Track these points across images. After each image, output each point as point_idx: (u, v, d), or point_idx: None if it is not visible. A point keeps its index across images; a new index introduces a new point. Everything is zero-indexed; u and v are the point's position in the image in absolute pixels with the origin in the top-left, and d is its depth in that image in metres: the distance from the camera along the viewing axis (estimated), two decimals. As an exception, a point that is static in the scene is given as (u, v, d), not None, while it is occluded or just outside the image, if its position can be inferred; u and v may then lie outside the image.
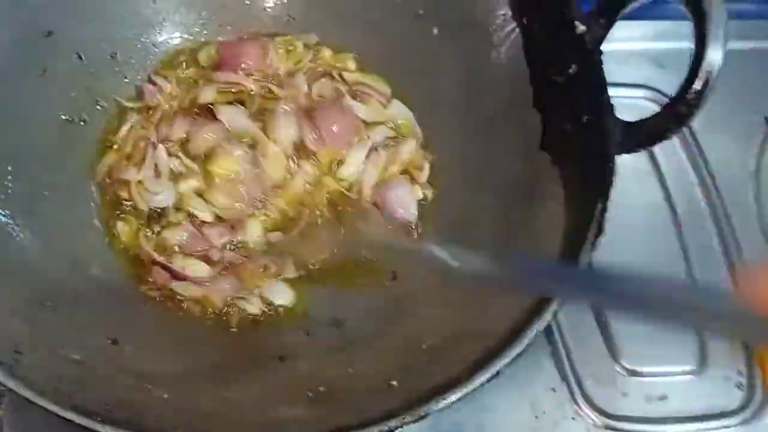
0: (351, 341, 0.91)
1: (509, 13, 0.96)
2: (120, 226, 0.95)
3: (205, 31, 1.11)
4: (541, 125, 0.92)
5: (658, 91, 1.27)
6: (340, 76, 1.07)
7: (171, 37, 1.09)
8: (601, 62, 0.85)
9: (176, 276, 0.92)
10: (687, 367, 1.04)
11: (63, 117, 0.99)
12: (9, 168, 0.89)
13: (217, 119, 1.00)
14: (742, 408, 1.01)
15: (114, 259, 0.94)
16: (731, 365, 1.04)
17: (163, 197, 0.97)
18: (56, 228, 0.91)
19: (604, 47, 0.85)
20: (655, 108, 0.82)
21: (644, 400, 1.01)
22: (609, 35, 0.85)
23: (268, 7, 1.13)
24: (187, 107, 1.04)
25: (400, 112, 1.07)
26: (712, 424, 0.99)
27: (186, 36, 1.10)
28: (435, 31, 1.05)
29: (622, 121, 0.82)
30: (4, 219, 0.86)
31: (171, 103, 1.04)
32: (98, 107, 1.03)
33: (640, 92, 1.28)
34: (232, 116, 1.00)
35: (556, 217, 0.83)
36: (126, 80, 1.06)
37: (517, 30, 0.96)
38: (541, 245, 0.83)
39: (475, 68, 1.02)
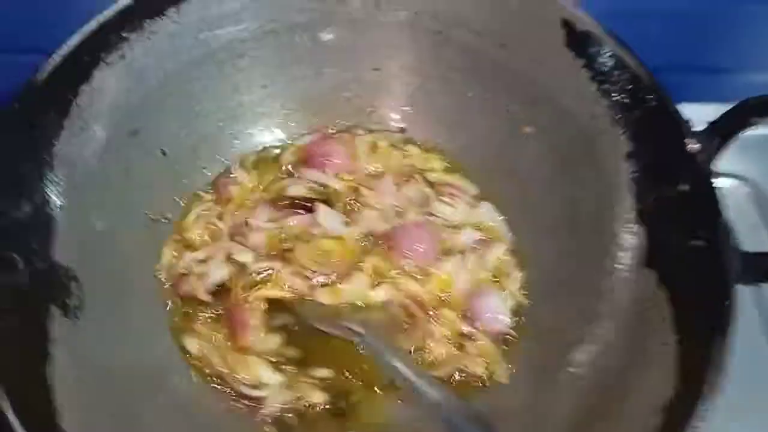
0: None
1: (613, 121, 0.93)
2: (189, 341, 0.93)
3: (290, 123, 1.10)
4: (647, 240, 0.88)
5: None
6: (425, 179, 1.04)
7: (255, 129, 1.08)
8: (713, 187, 0.81)
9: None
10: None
11: (148, 215, 0.97)
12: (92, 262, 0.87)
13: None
14: None
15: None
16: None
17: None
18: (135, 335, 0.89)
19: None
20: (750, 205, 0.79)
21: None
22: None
23: (350, 98, 1.11)
24: (271, 199, 1.02)
25: (489, 214, 1.04)
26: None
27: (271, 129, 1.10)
28: (528, 129, 1.02)
29: (742, 251, 0.78)
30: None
31: (248, 197, 1.03)
32: (182, 203, 1.02)
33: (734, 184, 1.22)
34: (328, 216, 0.98)
35: (664, 348, 0.79)
36: (208, 173, 1.05)
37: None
38: (646, 386, 0.79)
39: (569, 173, 0.98)
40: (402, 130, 1.11)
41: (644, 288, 0.86)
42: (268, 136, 1.10)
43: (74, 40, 0.85)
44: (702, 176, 0.82)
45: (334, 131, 1.10)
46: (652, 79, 0.89)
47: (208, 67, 1.00)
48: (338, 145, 1.05)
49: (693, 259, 0.81)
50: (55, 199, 0.83)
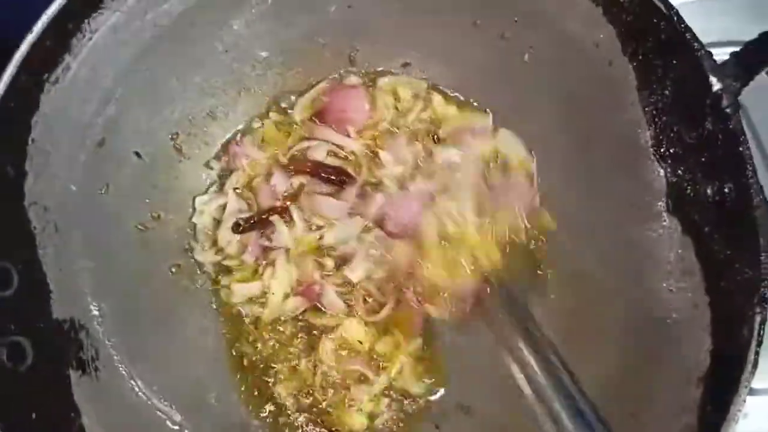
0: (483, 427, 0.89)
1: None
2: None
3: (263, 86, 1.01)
4: (666, 183, 0.83)
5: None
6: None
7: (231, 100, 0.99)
8: (741, 128, 0.75)
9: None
10: (807, 380, 1.02)
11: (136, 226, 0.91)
12: (97, 303, 0.83)
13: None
14: None
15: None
16: None
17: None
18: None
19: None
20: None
21: (766, 419, 1.00)
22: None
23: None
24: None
25: (507, 140, 0.99)
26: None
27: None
28: (526, 57, 0.93)
29: (774, 203, 0.74)
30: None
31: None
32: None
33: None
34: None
35: (697, 305, 0.78)
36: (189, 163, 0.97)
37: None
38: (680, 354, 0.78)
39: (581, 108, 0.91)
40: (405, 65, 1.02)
41: (670, 238, 0.82)
42: (248, 102, 1.00)
43: (8, 73, 0.73)
44: (727, 118, 0.76)
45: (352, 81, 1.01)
46: (667, 3, 0.78)
47: (163, 47, 0.87)
48: (356, 99, 0.97)
49: (721, 210, 0.76)
50: (41, 252, 0.77)
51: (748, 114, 1.10)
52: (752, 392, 1.00)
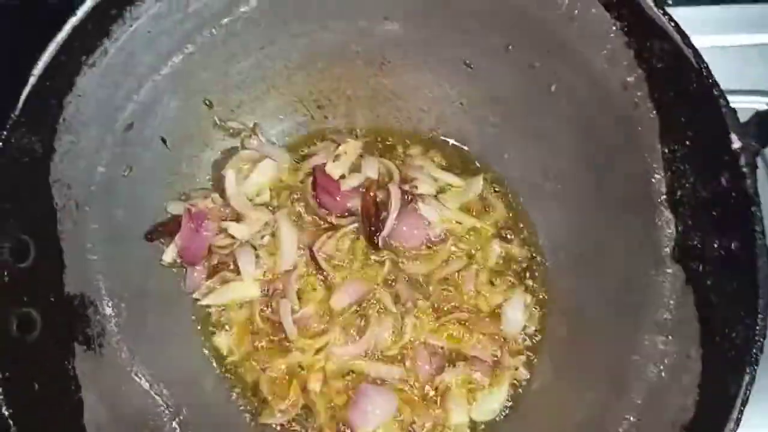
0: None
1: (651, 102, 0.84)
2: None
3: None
4: (675, 231, 0.84)
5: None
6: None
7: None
8: (755, 188, 0.76)
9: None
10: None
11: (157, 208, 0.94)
12: (108, 282, 0.86)
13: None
14: None
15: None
16: None
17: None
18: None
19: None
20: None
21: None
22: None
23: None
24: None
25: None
26: None
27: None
28: (553, 88, 0.94)
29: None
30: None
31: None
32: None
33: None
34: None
35: (689, 356, 0.79)
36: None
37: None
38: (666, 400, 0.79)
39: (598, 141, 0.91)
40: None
41: (672, 285, 0.83)
42: (276, 101, 1.02)
43: (49, 52, 0.75)
44: (743, 176, 0.76)
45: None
46: (699, 56, 0.79)
47: (200, 40, 0.89)
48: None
49: (725, 266, 0.77)
50: (60, 228, 0.79)
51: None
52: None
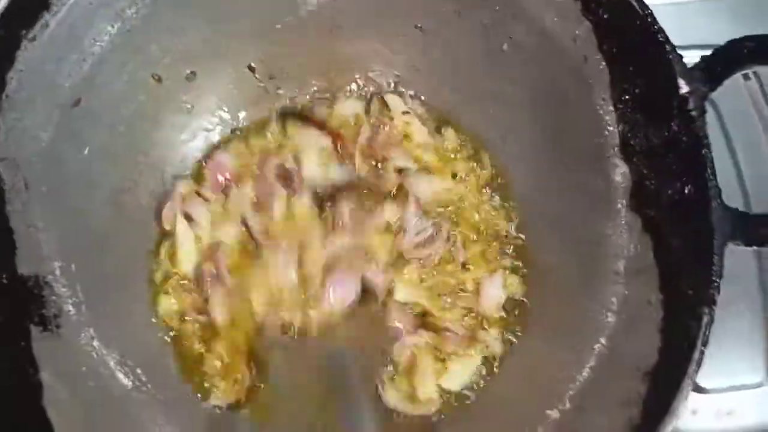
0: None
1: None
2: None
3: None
4: (631, 181, 0.85)
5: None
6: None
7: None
8: (704, 131, 0.77)
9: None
10: (756, 379, 1.04)
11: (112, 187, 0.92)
12: (63, 262, 0.84)
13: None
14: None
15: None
16: (799, 371, 1.05)
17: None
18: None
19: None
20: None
21: (713, 417, 1.03)
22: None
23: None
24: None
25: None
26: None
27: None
28: (505, 47, 0.94)
29: (735, 210, 0.75)
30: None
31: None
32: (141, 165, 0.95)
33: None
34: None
35: (650, 302, 0.80)
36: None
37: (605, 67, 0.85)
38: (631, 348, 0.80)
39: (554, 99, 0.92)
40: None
41: (630, 234, 0.84)
42: (227, 73, 1.01)
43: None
44: (692, 121, 0.77)
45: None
46: (643, 4, 0.79)
47: (145, 12, 0.87)
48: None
49: (680, 210, 0.78)
50: (9, 207, 0.77)
51: (722, 118, 1.13)
52: (702, 390, 1.03)
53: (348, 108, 1.05)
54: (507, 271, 0.99)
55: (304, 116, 1.04)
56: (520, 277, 0.99)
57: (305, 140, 1.02)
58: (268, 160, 1.00)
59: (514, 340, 0.95)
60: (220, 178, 1.01)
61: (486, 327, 0.97)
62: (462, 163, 1.03)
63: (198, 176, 1.01)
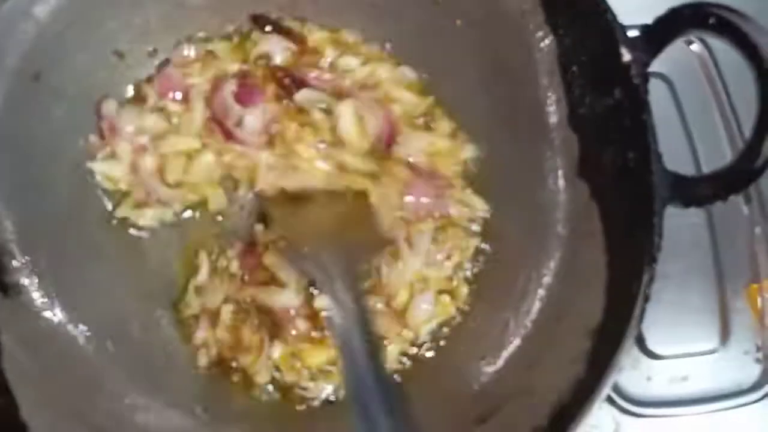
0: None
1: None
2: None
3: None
4: (578, 149, 0.88)
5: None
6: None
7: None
8: (646, 98, 0.79)
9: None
10: (709, 346, 1.07)
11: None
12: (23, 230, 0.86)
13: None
14: (761, 383, 1.06)
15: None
16: (751, 339, 1.08)
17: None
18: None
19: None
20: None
21: (668, 382, 1.06)
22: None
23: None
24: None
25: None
26: (732, 402, 1.05)
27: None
28: (458, 22, 0.96)
29: (674, 174, 0.78)
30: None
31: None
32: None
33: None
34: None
35: (596, 264, 0.83)
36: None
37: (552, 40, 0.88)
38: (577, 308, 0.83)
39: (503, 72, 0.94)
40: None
41: (578, 200, 0.87)
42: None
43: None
44: (634, 88, 0.80)
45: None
46: (586, -25, 0.82)
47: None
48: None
49: (624, 175, 0.81)
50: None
51: (674, 89, 1.16)
52: (657, 357, 1.06)
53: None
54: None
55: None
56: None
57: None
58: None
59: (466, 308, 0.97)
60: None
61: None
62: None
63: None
